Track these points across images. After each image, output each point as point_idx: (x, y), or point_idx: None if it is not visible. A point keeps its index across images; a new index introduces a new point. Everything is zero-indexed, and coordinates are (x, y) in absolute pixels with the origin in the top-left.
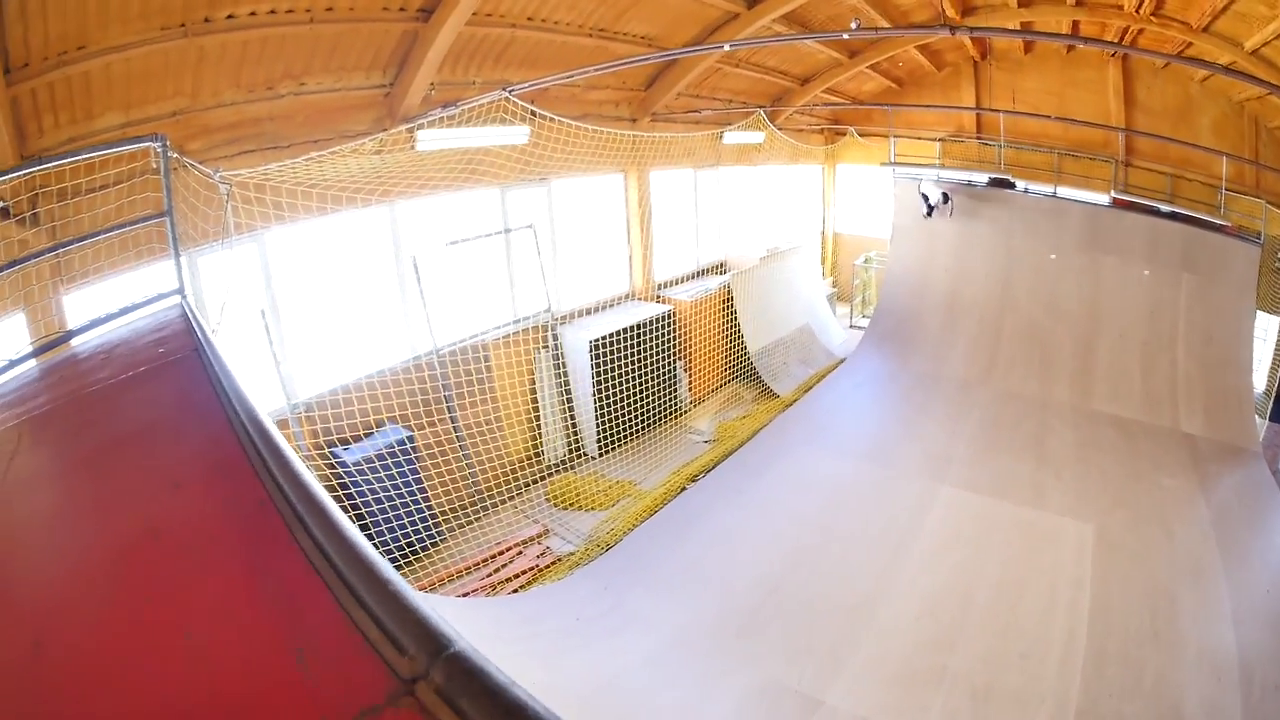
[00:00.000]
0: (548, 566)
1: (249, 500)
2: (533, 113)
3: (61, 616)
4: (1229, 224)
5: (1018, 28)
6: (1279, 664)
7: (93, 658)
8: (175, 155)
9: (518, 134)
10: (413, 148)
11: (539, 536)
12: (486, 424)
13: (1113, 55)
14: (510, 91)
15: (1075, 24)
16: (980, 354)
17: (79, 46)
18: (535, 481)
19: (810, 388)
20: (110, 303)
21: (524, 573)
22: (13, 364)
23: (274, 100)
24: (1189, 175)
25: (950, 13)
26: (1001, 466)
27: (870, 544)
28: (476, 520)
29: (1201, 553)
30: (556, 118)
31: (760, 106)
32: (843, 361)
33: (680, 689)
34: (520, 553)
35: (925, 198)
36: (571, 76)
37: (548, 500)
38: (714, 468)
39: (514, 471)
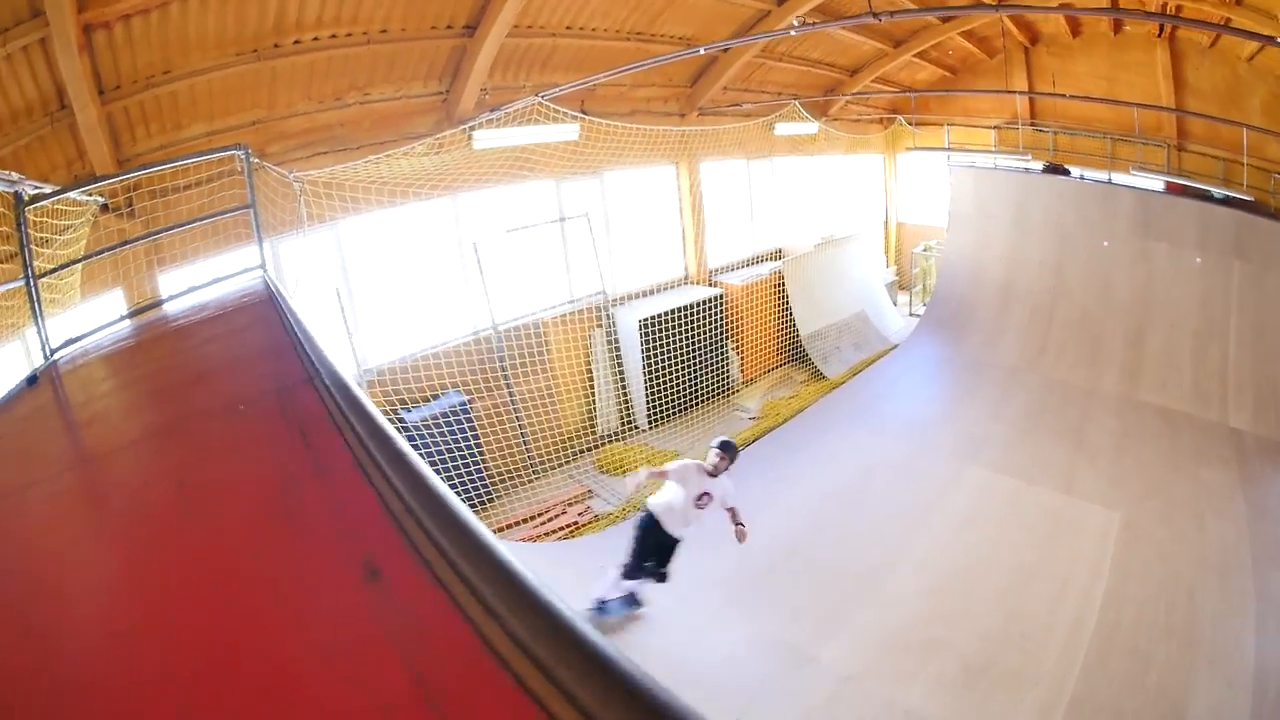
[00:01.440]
0: (588, 524)
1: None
2: (577, 113)
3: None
4: None
5: (1056, 5)
6: None
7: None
8: (256, 160)
9: (568, 131)
10: (470, 146)
11: (582, 496)
12: (541, 395)
13: (1159, 35)
14: (544, 97)
15: (1114, 0)
16: (1031, 341)
17: (164, 71)
18: (588, 450)
19: (860, 371)
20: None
21: (565, 529)
22: (118, 320)
23: (342, 109)
24: (1241, 159)
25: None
26: (1036, 451)
27: (890, 518)
28: (530, 483)
29: (1232, 550)
30: (595, 118)
31: (797, 97)
32: (896, 347)
33: (685, 631)
34: (564, 511)
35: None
36: (601, 78)
37: (596, 466)
38: (754, 442)
39: (568, 441)
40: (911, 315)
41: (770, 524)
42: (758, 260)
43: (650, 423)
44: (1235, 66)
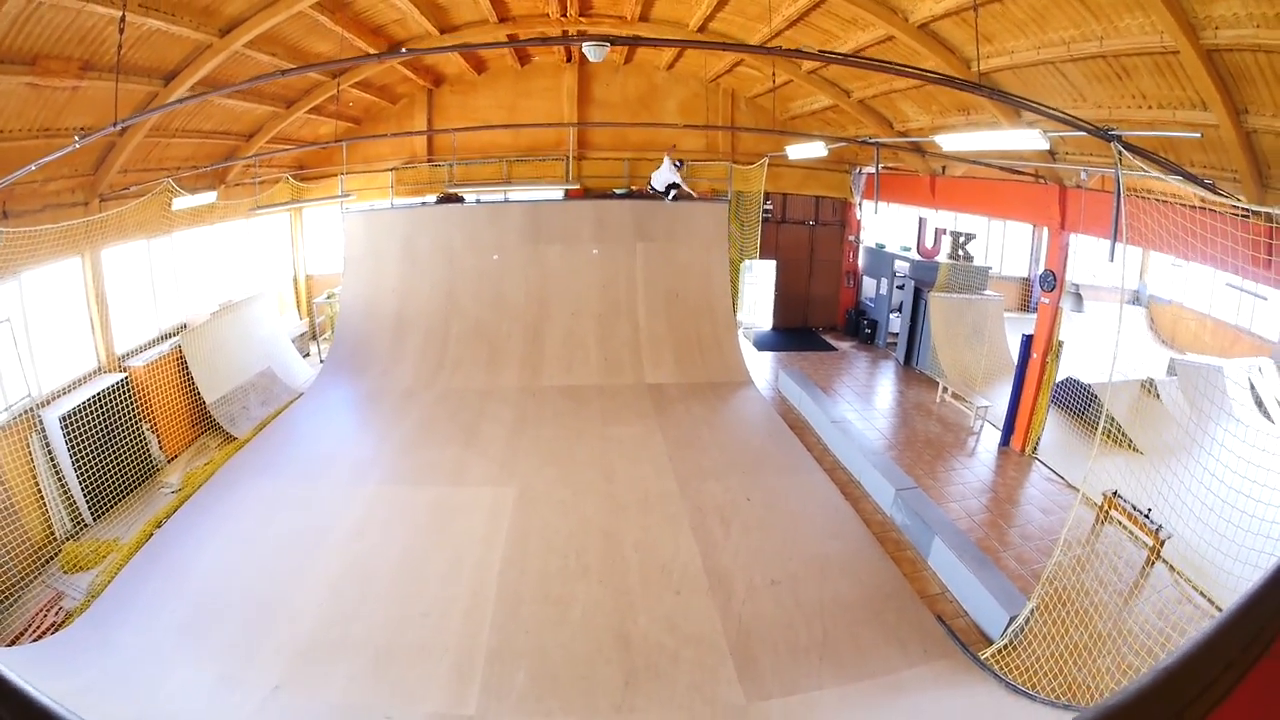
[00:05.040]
0: (62, 623)
1: None
2: None
3: None
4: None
5: (451, 52)
6: (767, 562)
7: None
8: None
9: None
10: None
11: (54, 600)
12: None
13: (569, 61)
14: None
15: (512, 37)
16: (427, 362)
17: None
18: (54, 557)
19: (266, 425)
20: None
21: (49, 629)
22: None
23: None
24: (649, 155)
25: (370, 48)
26: (427, 457)
27: (289, 549)
28: (14, 603)
29: (653, 482)
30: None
31: (196, 169)
32: (301, 395)
33: (135, 681)
34: (44, 618)
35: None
36: (17, 176)
37: (62, 569)
38: (175, 511)
39: (39, 551)
40: (322, 361)
41: (191, 575)
42: (163, 338)
43: (94, 516)
44: (652, 76)
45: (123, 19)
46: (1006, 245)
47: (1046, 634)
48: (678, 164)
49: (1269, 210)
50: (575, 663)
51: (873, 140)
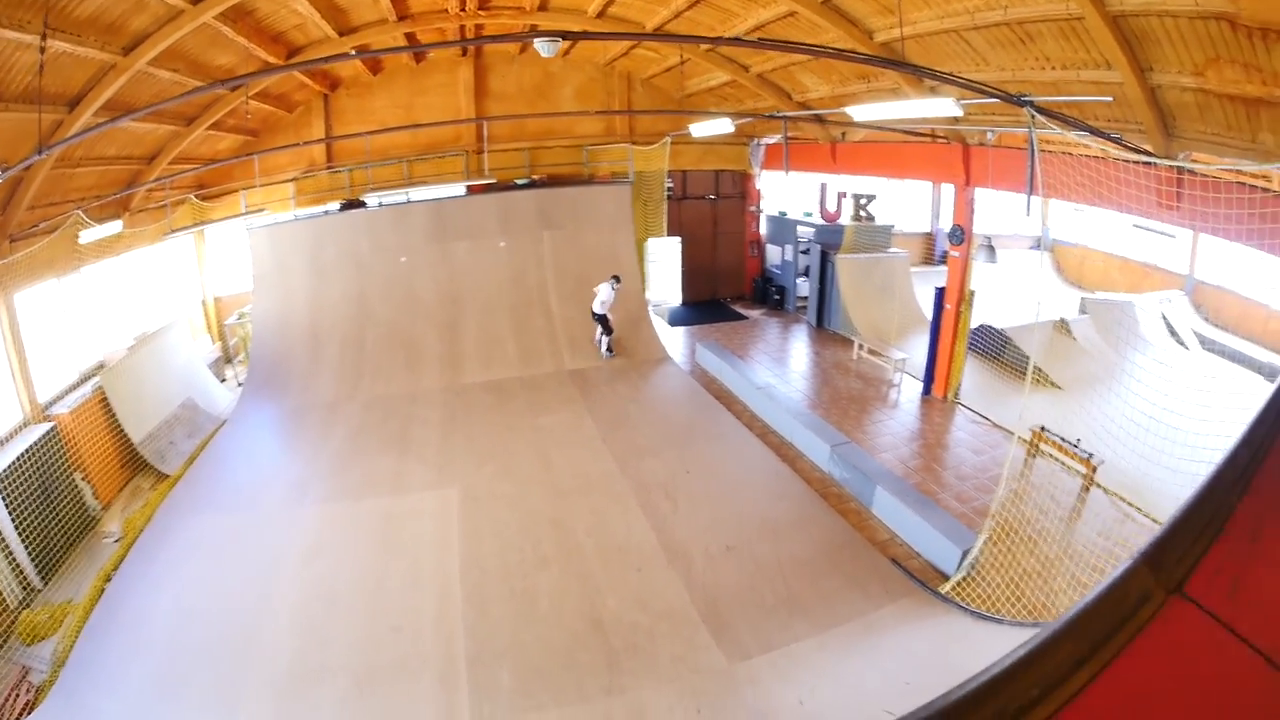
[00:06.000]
0: (34, 700)
1: None
2: None
3: None
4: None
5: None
6: (719, 530)
7: None
8: None
9: None
10: None
11: (21, 678)
12: None
13: (464, 55)
14: None
15: (411, 36)
16: (346, 372)
17: None
18: (11, 629)
19: (195, 458)
20: None
21: (20, 713)
22: None
23: None
24: (549, 144)
25: (271, 59)
26: (363, 469)
27: (245, 583)
28: None
29: (593, 463)
30: None
31: (100, 198)
32: (225, 422)
33: None
34: (15, 697)
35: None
36: None
37: (22, 642)
38: (122, 562)
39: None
40: (239, 386)
41: (149, 624)
42: (83, 379)
43: (43, 579)
44: (548, 64)
45: (44, 37)
46: (907, 203)
47: (999, 564)
48: (615, 281)
49: (1176, 164)
50: (555, 653)
51: (781, 115)
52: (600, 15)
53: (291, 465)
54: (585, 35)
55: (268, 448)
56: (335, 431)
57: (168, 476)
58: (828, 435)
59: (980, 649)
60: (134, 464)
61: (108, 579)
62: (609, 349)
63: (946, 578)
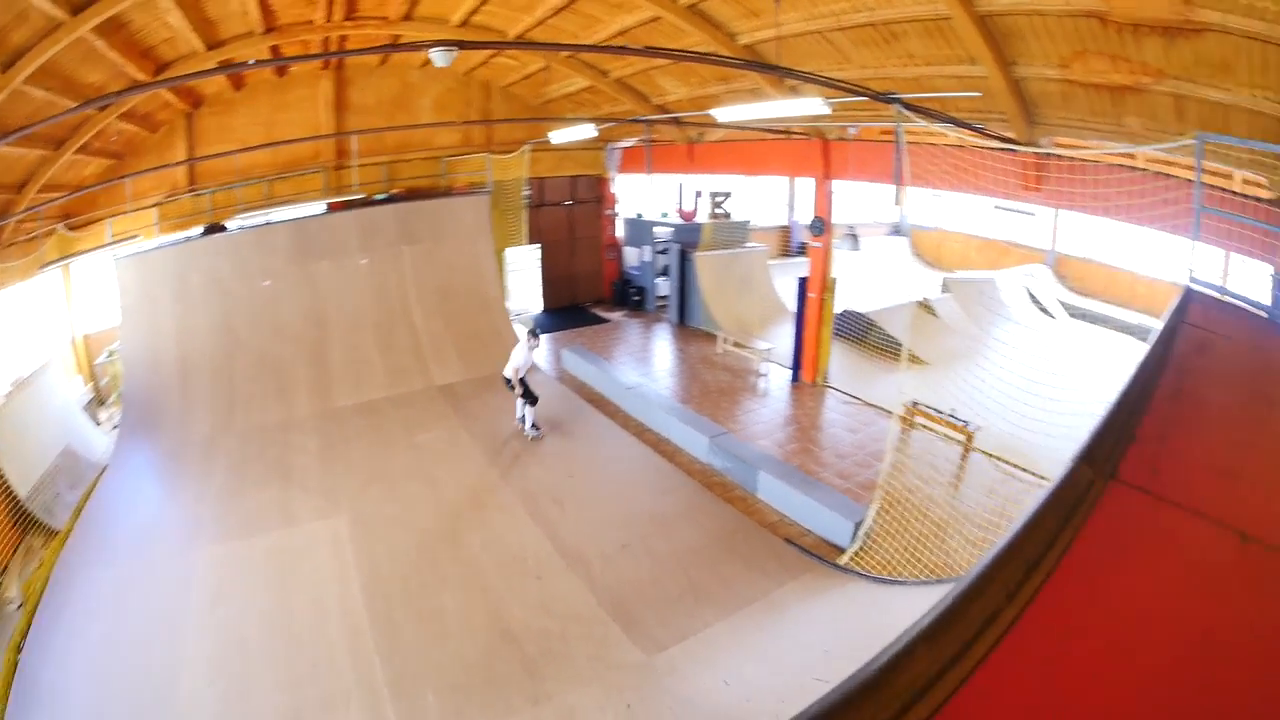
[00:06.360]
0: None
1: None
2: None
3: None
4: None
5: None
6: (611, 529)
7: None
8: None
9: None
10: None
11: None
12: None
13: (325, 67)
14: None
15: (275, 49)
16: (219, 404)
17: None
18: None
19: (80, 509)
20: None
21: None
22: None
23: None
24: (406, 157)
25: (140, 75)
26: (250, 504)
27: (153, 639)
28: None
29: (474, 482)
30: None
31: None
32: (106, 468)
33: None
34: None
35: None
36: None
37: None
38: (29, 629)
39: None
40: (114, 429)
41: (77, 698)
42: None
43: None
44: (406, 75)
45: None
46: (762, 198)
47: (893, 531)
48: (532, 337)
49: (1036, 149)
50: (474, 669)
51: (646, 119)
52: (464, 24)
53: (178, 508)
54: (478, 44)
55: (152, 492)
56: (216, 468)
57: (58, 533)
58: (704, 428)
59: (892, 609)
60: (24, 522)
61: (18, 649)
62: (534, 426)
63: (842, 550)
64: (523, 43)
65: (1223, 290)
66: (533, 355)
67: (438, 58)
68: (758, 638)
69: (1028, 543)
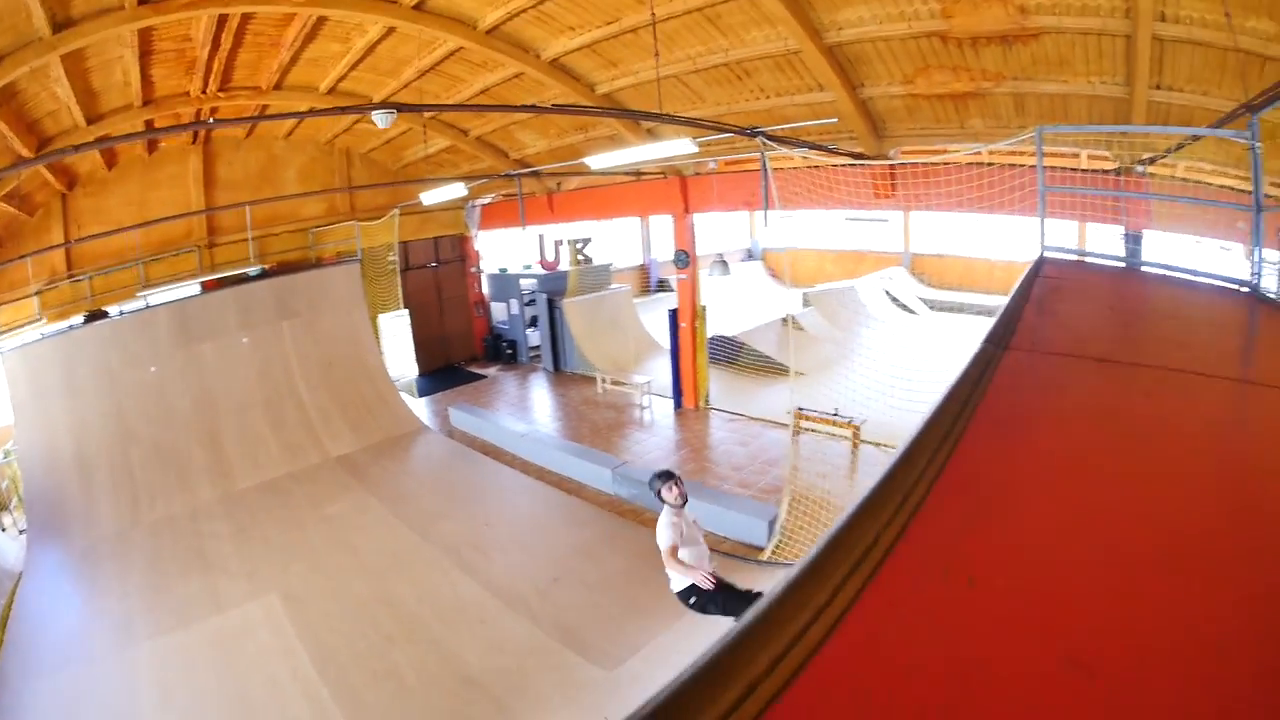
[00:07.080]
0: None
1: None
2: None
3: None
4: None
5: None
6: (538, 567)
7: None
8: None
9: None
10: None
11: None
12: None
13: (194, 142)
14: None
15: (150, 123)
16: (123, 498)
17: None
18: None
19: (6, 620)
20: None
21: None
22: None
23: None
24: (276, 231)
25: (24, 151)
26: (177, 595)
27: None
28: None
29: (393, 544)
30: None
31: None
32: (19, 581)
33: None
34: None
35: None
36: None
37: None
38: None
39: None
40: (22, 533)
41: None
42: None
43: None
44: (271, 147)
45: None
46: (619, 241)
47: (806, 524)
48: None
49: (886, 161)
50: (445, 717)
51: (512, 174)
52: (331, 91)
53: (105, 607)
54: (416, 107)
55: (74, 593)
56: (133, 563)
57: None
58: (604, 461)
59: None
60: None
61: None
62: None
63: (761, 549)
64: (463, 105)
65: (1079, 253)
66: (684, 518)
67: (379, 119)
68: (713, 634)
69: (951, 402)
